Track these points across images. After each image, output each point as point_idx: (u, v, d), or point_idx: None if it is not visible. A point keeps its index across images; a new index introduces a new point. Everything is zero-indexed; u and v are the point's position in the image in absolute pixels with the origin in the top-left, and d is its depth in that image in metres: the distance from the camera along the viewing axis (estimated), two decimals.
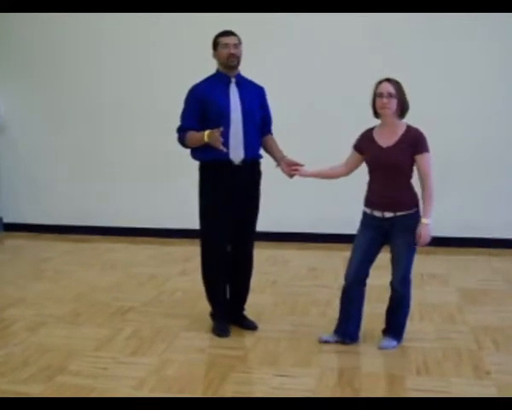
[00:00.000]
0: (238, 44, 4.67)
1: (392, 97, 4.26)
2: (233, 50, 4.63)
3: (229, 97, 4.66)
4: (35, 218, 8.71)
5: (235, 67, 4.68)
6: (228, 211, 4.73)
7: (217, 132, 4.43)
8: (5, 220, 8.88)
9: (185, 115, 4.73)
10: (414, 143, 4.30)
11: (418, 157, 4.31)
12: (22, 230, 8.69)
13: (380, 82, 4.34)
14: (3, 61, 8.59)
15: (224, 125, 4.56)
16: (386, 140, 4.35)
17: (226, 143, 4.57)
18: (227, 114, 4.62)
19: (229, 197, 4.70)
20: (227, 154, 4.60)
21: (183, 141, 4.72)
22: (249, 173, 4.75)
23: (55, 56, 8.42)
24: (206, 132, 4.49)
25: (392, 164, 4.29)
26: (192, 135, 4.63)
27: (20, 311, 5.41)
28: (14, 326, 5.04)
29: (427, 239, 4.34)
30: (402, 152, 4.29)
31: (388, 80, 4.31)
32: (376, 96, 4.33)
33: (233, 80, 4.70)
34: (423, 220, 4.34)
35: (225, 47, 4.64)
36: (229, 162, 4.64)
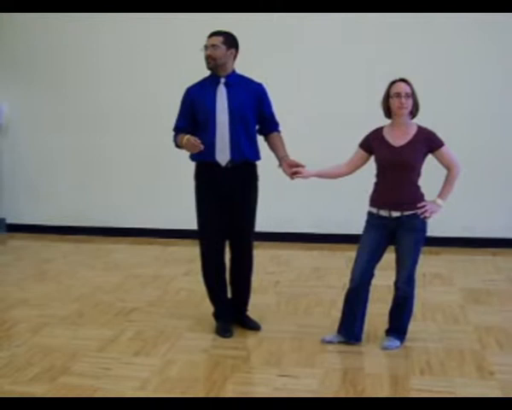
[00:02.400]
0: (217, 45, 4.60)
1: (409, 97, 4.27)
2: (209, 52, 4.61)
3: (216, 99, 4.63)
4: (37, 219, 8.71)
5: (212, 68, 4.65)
6: (218, 212, 4.72)
7: (193, 141, 4.42)
8: (8, 221, 8.88)
9: (178, 116, 4.77)
10: (428, 141, 4.33)
11: (437, 153, 4.35)
12: (25, 231, 8.69)
13: (394, 82, 4.34)
14: (7, 64, 8.59)
15: (209, 127, 4.60)
16: (398, 140, 4.35)
17: (212, 145, 4.60)
18: (212, 115, 4.61)
19: (218, 198, 4.70)
20: (213, 155, 4.62)
21: (175, 141, 4.75)
22: (239, 175, 4.70)
23: (58, 60, 8.42)
24: (185, 138, 4.51)
25: (405, 163, 4.30)
26: (179, 137, 4.65)
27: (23, 312, 5.41)
28: (17, 327, 5.05)
29: (428, 217, 4.37)
30: (415, 151, 4.31)
31: (404, 80, 4.32)
32: (391, 96, 4.32)
33: (222, 81, 4.67)
34: (438, 200, 4.38)
35: (205, 49, 4.64)
36: (217, 164, 4.65)
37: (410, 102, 4.29)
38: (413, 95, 4.30)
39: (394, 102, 4.30)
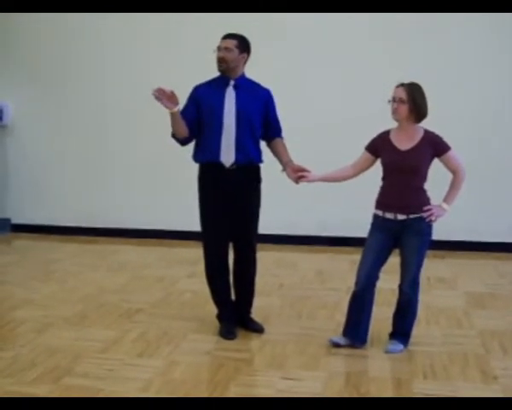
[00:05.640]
0: (231, 48, 4.61)
1: (402, 103, 4.27)
2: (222, 54, 4.62)
3: (224, 100, 4.65)
4: (42, 219, 8.72)
5: (224, 71, 4.66)
6: (222, 213, 4.73)
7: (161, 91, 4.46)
8: (13, 221, 8.90)
9: (181, 111, 4.74)
10: (434, 145, 4.34)
11: (444, 157, 4.36)
12: (30, 231, 8.70)
13: (396, 86, 4.35)
14: (12, 65, 8.61)
15: (215, 127, 4.63)
16: (404, 143, 4.36)
17: (217, 146, 4.63)
18: (219, 116, 4.63)
19: (221, 200, 4.71)
20: (218, 156, 4.63)
21: (172, 135, 4.79)
22: (243, 178, 4.71)
23: (62, 61, 8.45)
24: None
25: (410, 167, 4.31)
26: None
27: (28, 312, 5.42)
28: (22, 328, 5.05)
29: (433, 220, 4.38)
30: (421, 155, 4.32)
31: (402, 85, 4.32)
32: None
33: (231, 83, 4.69)
34: (443, 205, 4.39)
35: (218, 50, 4.65)
36: (221, 165, 4.66)
37: (402, 108, 4.28)
38: (412, 101, 4.27)
39: (390, 107, 4.34)
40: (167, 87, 4.48)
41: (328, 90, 7.69)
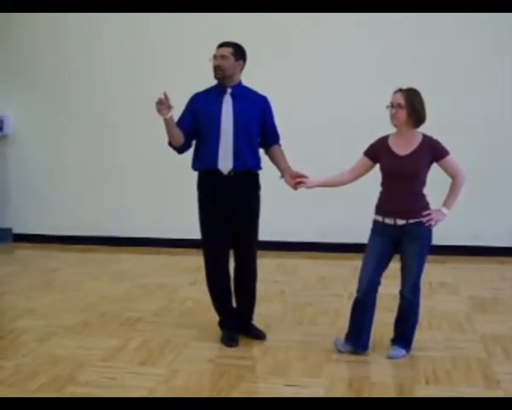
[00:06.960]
0: (227, 56, 4.64)
1: (400, 108, 4.28)
2: (218, 62, 4.64)
3: (222, 108, 4.67)
4: (44, 228, 8.72)
5: (220, 79, 4.69)
6: (221, 220, 4.74)
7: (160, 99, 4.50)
8: (14, 231, 8.89)
9: (178, 119, 4.77)
10: (432, 151, 4.35)
11: (442, 162, 4.37)
12: (31, 240, 8.70)
13: (395, 92, 4.36)
14: (12, 74, 8.63)
15: (213, 135, 4.65)
16: (402, 149, 4.37)
17: (215, 153, 4.65)
18: (217, 124, 4.65)
19: (220, 207, 4.72)
20: (216, 164, 4.65)
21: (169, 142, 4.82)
22: (241, 184, 4.72)
23: (63, 69, 8.46)
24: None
25: (409, 172, 4.32)
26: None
27: (30, 322, 5.42)
28: (24, 337, 5.05)
29: (433, 225, 4.38)
30: (420, 160, 4.33)
31: (401, 90, 4.33)
32: None
33: (228, 91, 4.71)
34: (443, 209, 4.40)
35: (214, 59, 4.68)
36: (219, 172, 4.67)
37: (401, 113, 4.29)
38: (411, 106, 4.28)
39: (389, 112, 4.34)
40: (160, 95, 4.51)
41: (328, 90, 7.69)
